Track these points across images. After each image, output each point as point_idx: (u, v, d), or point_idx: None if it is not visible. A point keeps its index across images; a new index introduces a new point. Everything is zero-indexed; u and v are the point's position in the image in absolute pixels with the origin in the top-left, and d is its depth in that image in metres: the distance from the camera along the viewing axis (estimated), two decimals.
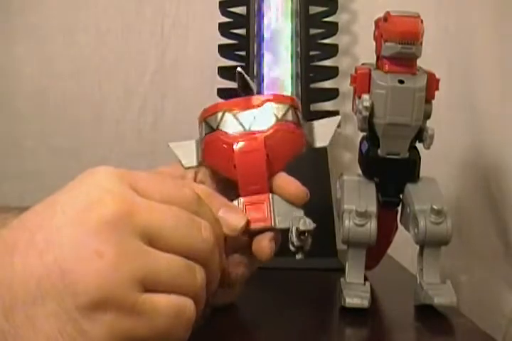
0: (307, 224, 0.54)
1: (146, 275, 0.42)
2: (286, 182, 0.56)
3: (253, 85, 0.59)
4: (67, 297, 0.41)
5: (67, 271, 0.41)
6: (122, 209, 0.43)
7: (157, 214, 0.44)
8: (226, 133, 0.56)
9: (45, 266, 0.41)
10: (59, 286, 0.41)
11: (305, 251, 0.55)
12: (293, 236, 0.54)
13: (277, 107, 0.56)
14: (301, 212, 0.56)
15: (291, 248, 0.55)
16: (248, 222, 0.54)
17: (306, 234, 0.54)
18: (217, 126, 0.57)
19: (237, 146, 0.56)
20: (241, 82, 0.59)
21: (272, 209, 0.55)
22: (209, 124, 0.58)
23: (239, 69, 0.58)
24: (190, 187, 0.49)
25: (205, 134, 0.58)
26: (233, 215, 0.53)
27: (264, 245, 0.56)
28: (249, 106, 0.57)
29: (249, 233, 0.55)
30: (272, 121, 0.56)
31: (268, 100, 0.57)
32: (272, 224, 0.55)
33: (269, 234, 0.56)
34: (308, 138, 0.59)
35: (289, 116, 0.56)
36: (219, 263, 0.48)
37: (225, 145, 0.56)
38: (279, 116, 0.56)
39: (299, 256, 0.56)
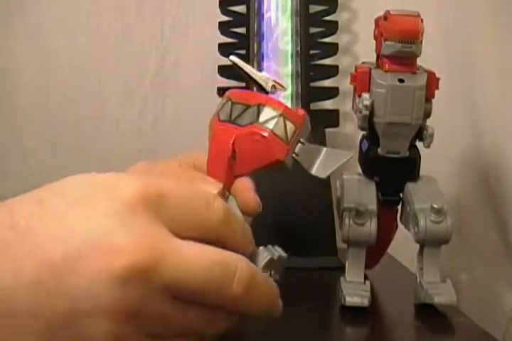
0: None
1: (162, 330, 0.41)
2: (244, 188, 0.55)
3: (253, 72, 0.55)
4: None
5: (78, 322, 0.39)
6: (146, 265, 0.39)
7: (186, 271, 0.41)
8: (219, 118, 0.55)
9: (54, 312, 0.39)
10: (70, 334, 0.39)
11: None
12: None
13: (265, 111, 0.53)
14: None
15: None
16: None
17: None
18: (218, 110, 0.56)
19: (213, 132, 0.55)
20: (241, 72, 0.56)
21: None
22: (218, 106, 0.57)
23: (231, 57, 0.55)
24: (218, 202, 0.45)
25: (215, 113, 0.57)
26: (206, 186, 0.51)
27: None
28: (248, 101, 0.54)
29: None
30: (251, 121, 0.53)
31: (262, 102, 0.54)
32: None
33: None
34: (305, 162, 0.55)
35: (271, 124, 0.52)
36: (255, 304, 0.45)
37: (212, 130, 0.55)
38: (260, 119, 0.53)
39: None
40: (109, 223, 0.40)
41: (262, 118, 0.53)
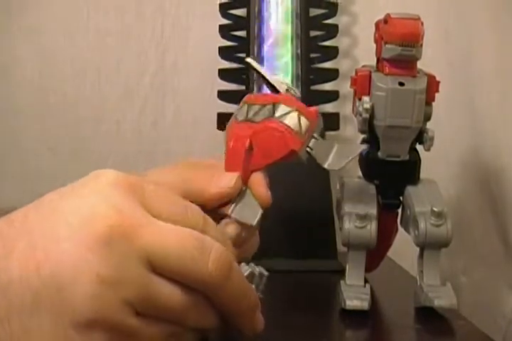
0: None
1: (142, 301, 0.42)
2: (258, 183, 0.55)
3: (268, 75, 0.58)
4: (64, 314, 0.41)
5: (63, 288, 0.41)
6: (128, 230, 0.42)
7: (164, 240, 0.43)
8: (237, 119, 0.56)
9: (42, 280, 0.41)
10: (55, 303, 0.41)
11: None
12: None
13: (281, 107, 0.55)
14: (259, 212, 0.54)
15: None
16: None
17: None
18: (235, 115, 0.57)
19: (230, 133, 0.56)
20: (255, 72, 0.58)
21: (235, 198, 0.54)
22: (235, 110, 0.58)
23: (248, 59, 0.57)
24: (196, 208, 0.48)
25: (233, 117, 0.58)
26: (225, 176, 0.53)
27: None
28: (263, 101, 0.56)
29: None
30: (267, 117, 0.55)
31: (277, 100, 0.56)
32: (229, 211, 0.54)
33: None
34: (319, 156, 0.56)
35: (286, 118, 0.55)
36: (232, 293, 0.46)
37: (229, 131, 0.56)
38: (276, 115, 0.55)
39: None
40: (93, 199, 0.43)
41: (277, 114, 0.55)
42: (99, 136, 0.94)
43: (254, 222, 0.53)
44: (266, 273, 0.51)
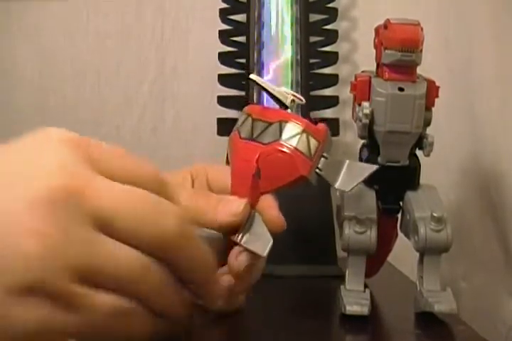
0: None
1: (86, 267, 0.39)
2: (269, 206, 0.54)
3: (273, 88, 0.56)
4: None
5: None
6: (73, 186, 0.39)
7: (116, 197, 0.40)
8: (239, 135, 0.55)
9: None
10: None
11: None
12: None
13: (288, 127, 0.54)
14: (270, 242, 0.53)
15: None
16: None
17: None
18: (238, 127, 0.56)
19: (235, 150, 0.55)
20: (260, 88, 0.57)
21: (244, 225, 0.53)
22: (238, 121, 0.57)
23: (252, 76, 0.56)
24: (152, 165, 0.46)
25: (235, 129, 0.57)
26: (232, 203, 0.51)
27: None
28: (269, 118, 0.55)
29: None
30: (275, 138, 0.54)
31: (283, 119, 0.55)
32: (238, 238, 0.53)
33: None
34: (329, 176, 0.56)
35: (294, 141, 0.53)
36: (191, 256, 0.44)
37: (233, 146, 0.56)
38: (283, 137, 0.54)
39: None
40: (36, 158, 0.41)
41: (284, 136, 0.54)
42: (99, 139, 0.94)
43: (265, 253, 0.52)
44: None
